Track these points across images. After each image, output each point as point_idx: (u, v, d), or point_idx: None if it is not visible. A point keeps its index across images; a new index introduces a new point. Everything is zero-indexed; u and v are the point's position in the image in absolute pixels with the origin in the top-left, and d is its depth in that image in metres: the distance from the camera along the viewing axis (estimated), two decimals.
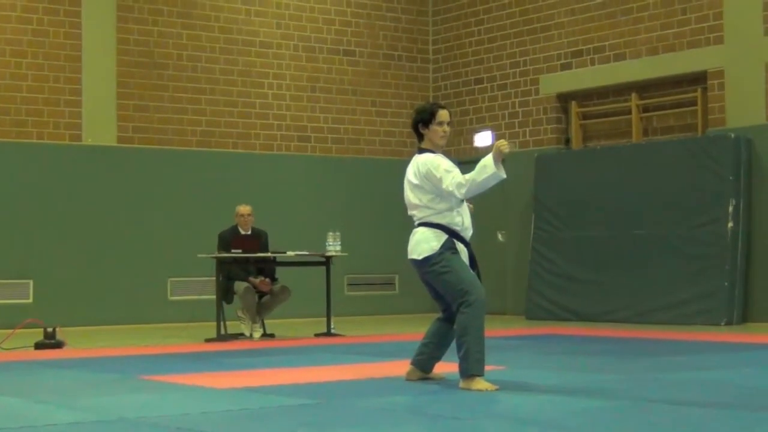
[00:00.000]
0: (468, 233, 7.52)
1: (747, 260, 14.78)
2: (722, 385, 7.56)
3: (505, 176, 7.23)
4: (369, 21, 18.64)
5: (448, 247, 7.37)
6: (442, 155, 7.56)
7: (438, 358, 7.71)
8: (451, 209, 7.41)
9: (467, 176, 7.25)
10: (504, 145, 7.15)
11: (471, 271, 7.40)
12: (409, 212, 7.67)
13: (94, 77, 16.14)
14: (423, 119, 7.55)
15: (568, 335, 13.11)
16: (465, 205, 7.55)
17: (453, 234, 7.42)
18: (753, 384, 7.66)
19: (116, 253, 16.05)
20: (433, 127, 7.52)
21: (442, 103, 7.84)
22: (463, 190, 7.24)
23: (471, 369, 7.20)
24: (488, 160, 7.16)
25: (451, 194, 7.29)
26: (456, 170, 7.35)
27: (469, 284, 7.27)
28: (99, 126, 16.14)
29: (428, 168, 7.38)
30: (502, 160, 7.19)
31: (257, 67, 17.51)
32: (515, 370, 8.48)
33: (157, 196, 16.42)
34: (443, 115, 7.53)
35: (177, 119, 16.76)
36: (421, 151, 7.59)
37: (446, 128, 7.54)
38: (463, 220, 7.47)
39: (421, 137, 7.61)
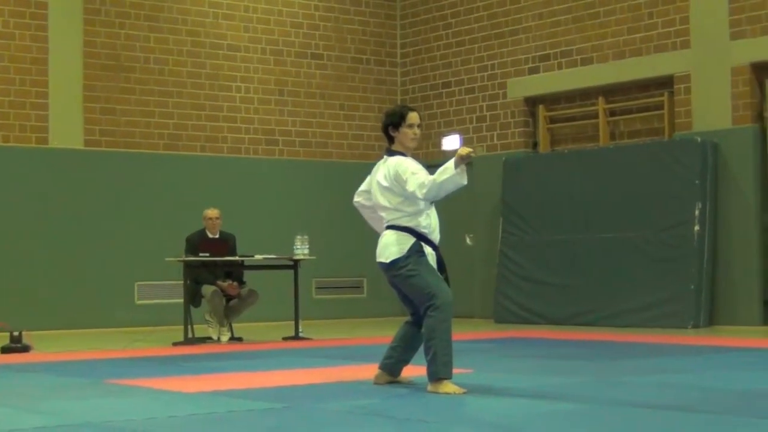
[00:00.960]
0: (436, 236, 7.52)
1: (713, 264, 14.86)
2: (688, 388, 7.60)
3: (465, 182, 7.21)
4: (337, 24, 18.63)
5: (415, 251, 7.37)
6: (412, 158, 7.57)
7: (406, 362, 7.71)
8: (419, 212, 7.42)
9: (430, 178, 7.27)
10: (466, 151, 7.15)
11: (438, 274, 7.40)
12: (380, 212, 7.63)
13: (61, 80, 16.06)
14: (393, 122, 7.54)
15: (535, 338, 13.14)
16: (434, 208, 7.55)
17: (420, 237, 7.42)
18: (719, 386, 7.70)
19: (83, 256, 15.97)
20: (404, 129, 7.51)
21: (412, 105, 7.82)
22: (425, 191, 7.23)
23: (438, 372, 7.21)
24: (450, 163, 7.17)
25: (413, 195, 7.29)
26: (422, 172, 7.35)
27: (436, 288, 7.27)
28: (65, 129, 16.06)
29: (396, 170, 7.39)
30: (467, 164, 7.18)
31: (225, 70, 17.47)
32: (483, 374, 8.49)
33: (124, 200, 16.34)
34: (413, 117, 7.52)
35: (144, 122, 16.70)
36: (391, 153, 7.58)
37: (416, 131, 7.54)
38: (431, 222, 7.48)
39: (391, 140, 7.60)
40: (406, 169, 7.35)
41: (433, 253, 7.47)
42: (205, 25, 17.32)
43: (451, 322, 7.28)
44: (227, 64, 17.48)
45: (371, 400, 7.05)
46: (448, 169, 7.15)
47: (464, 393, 7.12)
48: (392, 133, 7.56)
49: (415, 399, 7.03)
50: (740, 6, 14.84)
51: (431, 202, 7.48)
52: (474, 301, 17.56)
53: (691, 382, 7.97)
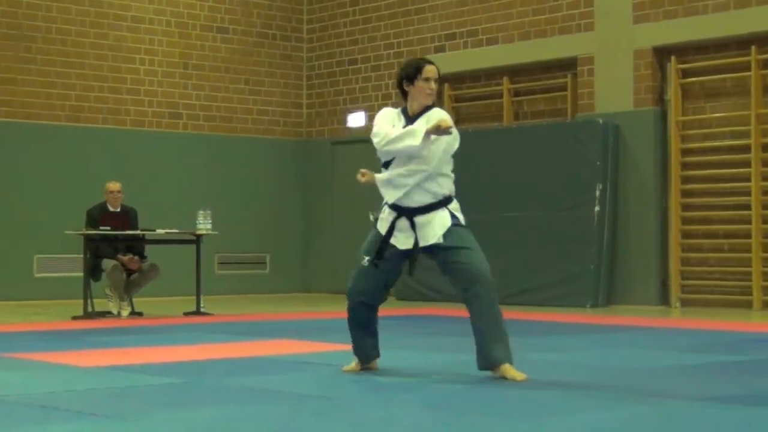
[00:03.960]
0: (404, 201, 7.14)
1: (612, 244, 15.08)
2: (585, 366, 7.71)
3: (416, 144, 6.94)
4: None
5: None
6: (398, 112, 7.10)
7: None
8: (385, 183, 7.07)
9: (389, 131, 6.91)
10: (446, 124, 6.90)
11: (368, 250, 7.09)
12: None
13: None
14: (408, 75, 7.01)
15: (437, 316, 13.23)
16: (414, 174, 7.15)
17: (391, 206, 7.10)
18: (615, 365, 7.82)
19: None
20: (419, 83, 6.98)
21: (429, 58, 7.34)
22: (376, 140, 6.91)
23: None
24: (421, 130, 6.88)
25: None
26: (386, 124, 6.96)
27: (350, 278, 7.19)
28: None
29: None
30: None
31: (128, 42, 17.26)
32: (383, 351, 8.52)
33: (23, 172, 16.10)
34: (430, 70, 6.98)
35: (45, 93, 16.46)
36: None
37: (432, 85, 6.99)
38: (396, 193, 7.10)
39: (405, 96, 7.10)
40: (376, 121, 7.02)
41: (390, 217, 7.10)
42: None
43: (351, 312, 7.25)
44: (131, 35, 17.28)
45: (272, 376, 7.06)
46: (416, 134, 6.88)
47: (359, 370, 7.21)
48: (406, 88, 7.03)
49: (315, 376, 7.05)
50: None
51: (416, 171, 7.16)
52: None
53: (586, 361, 8.09)
